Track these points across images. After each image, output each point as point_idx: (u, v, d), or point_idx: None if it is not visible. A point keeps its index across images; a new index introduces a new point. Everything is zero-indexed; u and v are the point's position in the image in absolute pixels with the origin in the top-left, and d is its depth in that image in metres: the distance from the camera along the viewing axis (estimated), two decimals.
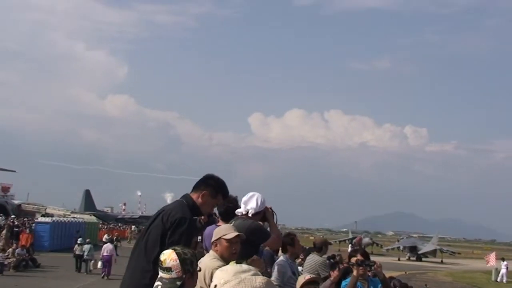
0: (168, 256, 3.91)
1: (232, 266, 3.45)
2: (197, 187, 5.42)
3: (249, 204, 6.09)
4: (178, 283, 3.86)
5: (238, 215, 6.10)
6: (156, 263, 4.21)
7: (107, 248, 28.91)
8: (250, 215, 6.03)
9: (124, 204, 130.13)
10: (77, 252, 30.25)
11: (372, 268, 7.14)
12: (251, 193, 6.19)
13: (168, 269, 3.89)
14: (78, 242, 30.92)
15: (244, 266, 3.35)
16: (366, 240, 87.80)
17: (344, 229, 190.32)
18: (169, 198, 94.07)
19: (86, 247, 29.93)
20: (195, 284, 3.98)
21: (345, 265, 9.45)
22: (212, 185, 5.40)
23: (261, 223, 6.16)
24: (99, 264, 29.10)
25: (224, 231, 5.10)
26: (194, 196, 5.35)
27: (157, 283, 3.92)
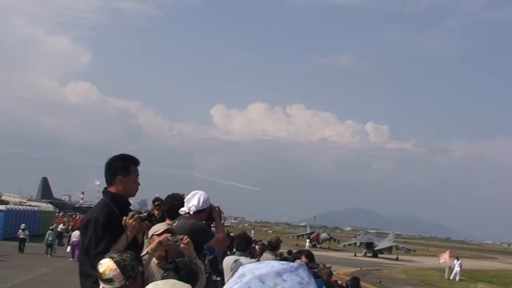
0: (107, 267, 3.77)
1: (165, 282, 3.30)
2: (108, 178, 5.14)
3: (191, 202, 6.11)
4: None
5: (182, 214, 6.11)
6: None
7: (75, 234, 31.57)
8: (191, 212, 6.05)
9: (82, 193, 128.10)
10: (20, 236, 34.30)
11: (316, 270, 7.15)
12: (194, 191, 6.23)
13: (109, 280, 3.76)
14: (22, 227, 34.79)
15: (178, 284, 3.21)
16: (323, 235, 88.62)
17: (302, 223, 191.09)
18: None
19: (50, 233, 33.89)
20: (140, 283, 3.87)
21: None
22: (119, 166, 5.09)
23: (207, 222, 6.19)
24: (68, 248, 33.80)
25: (156, 227, 5.07)
26: (112, 188, 5.09)
27: None
